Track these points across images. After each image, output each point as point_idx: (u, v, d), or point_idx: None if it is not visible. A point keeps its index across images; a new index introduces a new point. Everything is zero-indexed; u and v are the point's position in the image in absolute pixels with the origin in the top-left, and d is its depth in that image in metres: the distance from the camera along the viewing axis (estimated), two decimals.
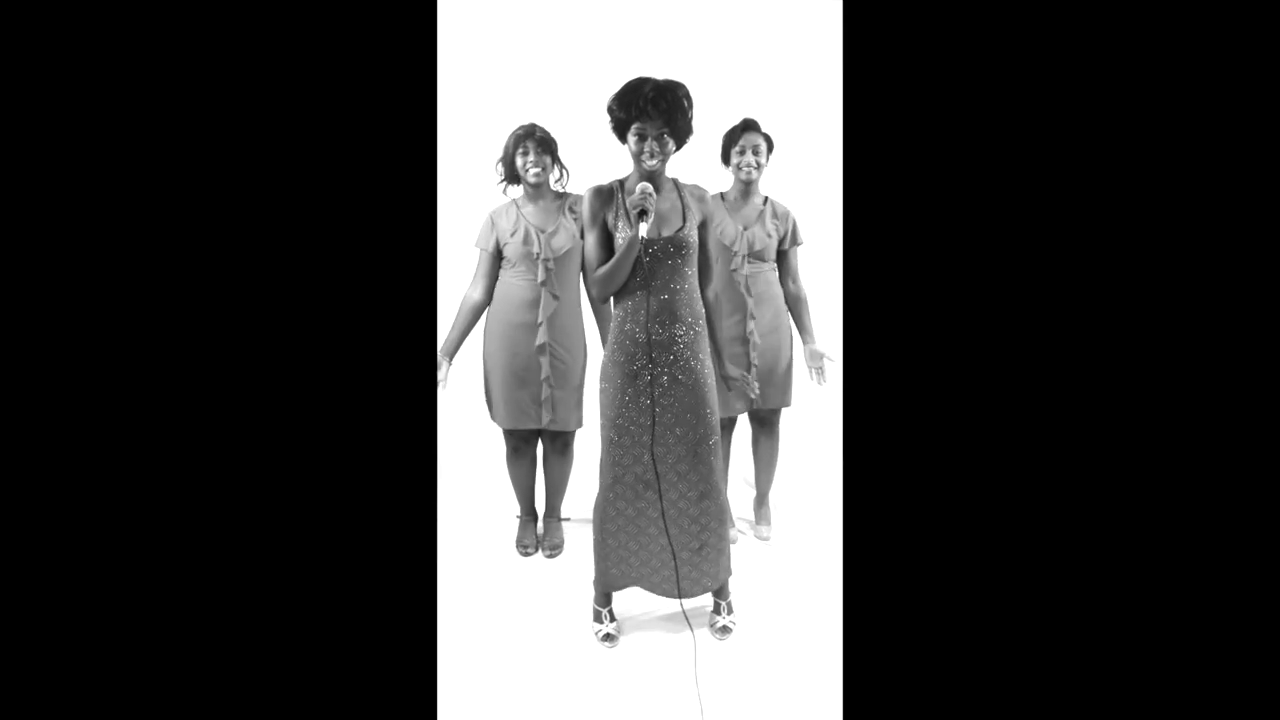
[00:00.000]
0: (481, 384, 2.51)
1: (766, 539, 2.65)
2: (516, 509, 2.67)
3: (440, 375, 2.33)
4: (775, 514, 2.77)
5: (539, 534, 2.65)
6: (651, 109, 1.74)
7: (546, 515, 2.66)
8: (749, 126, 2.40)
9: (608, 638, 2.01)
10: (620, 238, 1.83)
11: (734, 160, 2.41)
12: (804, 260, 2.58)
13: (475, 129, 3.06)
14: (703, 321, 1.92)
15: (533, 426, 2.46)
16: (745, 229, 2.42)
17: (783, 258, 2.51)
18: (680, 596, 1.98)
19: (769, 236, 2.44)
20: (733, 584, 2.22)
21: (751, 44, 3.58)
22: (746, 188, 2.43)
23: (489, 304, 2.44)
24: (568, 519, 2.68)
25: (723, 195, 2.47)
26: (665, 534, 1.93)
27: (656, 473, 1.88)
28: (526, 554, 2.57)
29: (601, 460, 1.95)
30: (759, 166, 2.39)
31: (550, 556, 2.56)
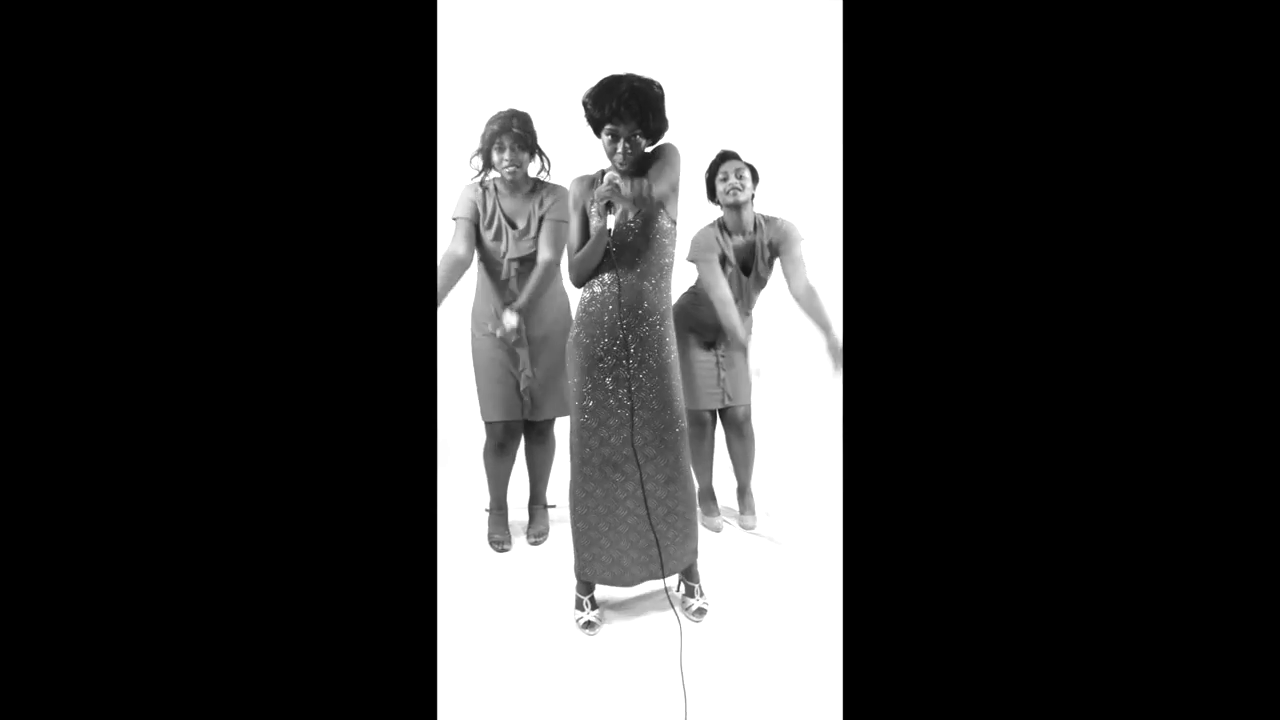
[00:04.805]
0: (471, 378, 2.54)
1: (751, 527, 2.68)
2: (486, 503, 2.66)
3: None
4: (770, 506, 2.81)
5: (509, 526, 2.63)
6: (625, 110, 1.75)
7: (531, 502, 2.68)
8: (726, 156, 2.49)
9: (588, 625, 2.04)
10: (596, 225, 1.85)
11: (719, 189, 2.47)
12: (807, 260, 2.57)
13: (474, 127, 3.06)
14: (671, 310, 1.96)
15: (517, 417, 2.48)
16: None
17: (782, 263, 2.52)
18: (663, 575, 2.00)
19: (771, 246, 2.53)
20: (724, 573, 2.26)
21: (752, 44, 3.57)
22: (737, 212, 2.47)
23: (470, 262, 2.36)
24: (553, 506, 2.71)
25: (722, 224, 2.52)
26: (647, 515, 1.95)
27: (638, 462, 1.91)
28: (502, 550, 2.53)
29: (571, 442, 1.99)
30: (743, 189, 2.43)
31: (535, 544, 2.58)
